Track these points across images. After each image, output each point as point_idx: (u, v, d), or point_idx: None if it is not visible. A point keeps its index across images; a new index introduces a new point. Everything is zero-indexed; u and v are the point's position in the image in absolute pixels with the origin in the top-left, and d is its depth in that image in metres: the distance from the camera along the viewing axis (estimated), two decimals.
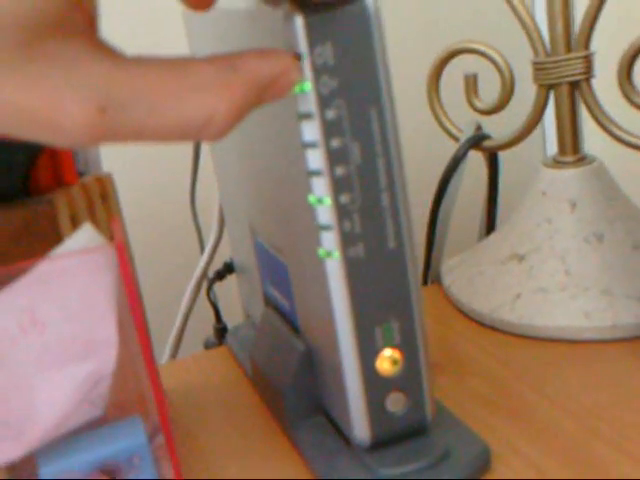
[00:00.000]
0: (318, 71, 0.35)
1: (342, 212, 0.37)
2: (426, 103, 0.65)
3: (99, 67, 0.25)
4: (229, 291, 0.83)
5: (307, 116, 0.36)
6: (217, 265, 0.74)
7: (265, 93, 0.29)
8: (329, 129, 0.36)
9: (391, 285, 0.39)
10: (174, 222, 0.89)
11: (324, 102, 0.36)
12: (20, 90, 0.24)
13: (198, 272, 0.71)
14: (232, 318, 0.78)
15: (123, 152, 0.85)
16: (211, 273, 0.72)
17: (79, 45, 0.25)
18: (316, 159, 0.36)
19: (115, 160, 0.83)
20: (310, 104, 0.36)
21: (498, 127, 0.69)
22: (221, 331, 0.73)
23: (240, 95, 0.28)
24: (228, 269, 0.69)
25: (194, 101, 0.27)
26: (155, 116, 0.26)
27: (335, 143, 0.36)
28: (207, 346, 0.74)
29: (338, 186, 0.37)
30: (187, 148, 0.83)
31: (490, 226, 0.69)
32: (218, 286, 0.75)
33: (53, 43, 0.24)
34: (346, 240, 0.37)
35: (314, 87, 0.35)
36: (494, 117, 0.64)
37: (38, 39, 0.23)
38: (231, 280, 0.73)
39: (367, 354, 0.40)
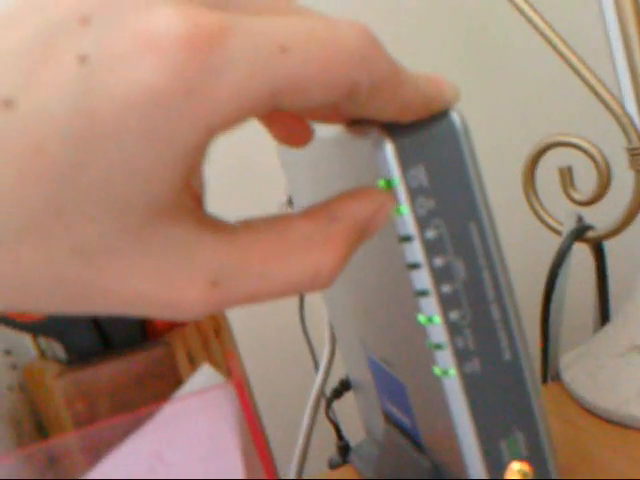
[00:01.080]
0: (414, 193, 0.36)
1: (453, 329, 0.37)
2: (522, 200, 0.65)
3: (208, 245, 0.26)
4: (348, 408, 0.83)
5: (407, 238, 0.36)
6: (333, 382, 0.74)
7: (365, 232, 0.30)
8: (431, 249, 0.36)
9: (511, 397, 0.38)
10: (286, 342, 0.90)
11: (423, 223, 0.36)
12: (137, 278, 0.25)
13: (315, 391, 0.71)
14: (354, 435, 0.78)
15: None
16: (328, 391, 0.72)
17: (188, 225, 0.26)
18: (421, 279, 0.37)
19: None
20: (409, 226, 0.36)
21: (597, 216, 0.68)
22: (344, 449, 0.72)
23: (342, 245, 0.29)
24: (345, 386, 0.69)
25: (299, 260, 0.28)
26: (264, 281, 0.27)
27: (438, 262, 0.36)
28: (331, 465, 0.73)
29: (446, 304, 0.37)
30: None
31: (604, 317, 0.67)
32: (337, 403, 0.75)
33: (163, 228, 0.25)
34: (461, 357, 0.37)
35: (411, 209, 0.36)
36: (591, 207, 0.63)
37: (150, 223, 0.24)
38: (349, 397, 0.72)
39: (494, 470, 0.39)
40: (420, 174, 0.36)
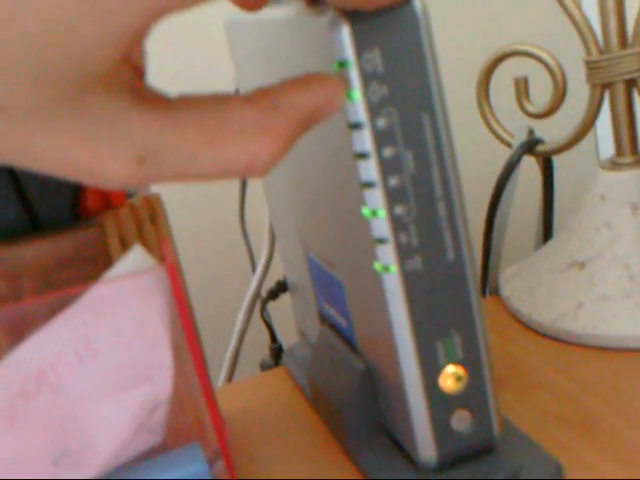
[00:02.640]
0: (367, 78, 0.34)
1: (398, 224, 0.36)
2: (475, 109, 0.64)
3: (140, 119, 0.25)
4: (283, 311, 0.82)
5: (357, 126, 0.35)
6: (270, 284, 0.73)
7: (310, 123, 0.28)
8: (381, 138, 0.35)
9: (451, 298, 0.37)
10: (224, 241, 0.88)
11: (374, 110, 0.34)
12: (62, 142, 0.24)
13: (251, 292, 0.70)
14: (287, 337, 0.77)
15: None
16: (264, 292, 0.71)
17: (124, 98, 0.25)
18: (368, 170, 0.35)
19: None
20: (360, 113, 0.34)
21: (548, 131, 0.67)
22: (277, 351, 0.72)
23: (284, 136, 0.27)
24: (281, 288, 0.68)
25: (235, 147, 0.26)
26: (195, 164, 0.26)
27: (387, 152, 0.35)
28: (263, 367, 0.73)
29: (392, 197, 0.35)
30: None
31: (547, 233, 0.67)
32: (272, 306, 0.74)
33: (97, 97, 0.24)
34: (403, 253, 0.36)
35: (363, 95, 0.34)
36: (542, 121, 0.62)
37: (83, 94, 0.24)
38: (284, 299, 0.72)
39: (429, 371, 0.38)
40: (375, 58, 0.34)
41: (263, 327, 0.73)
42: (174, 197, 0.85)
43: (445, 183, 0.36)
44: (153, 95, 0.26)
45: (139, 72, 0.27)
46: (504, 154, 0.62)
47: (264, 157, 0.27)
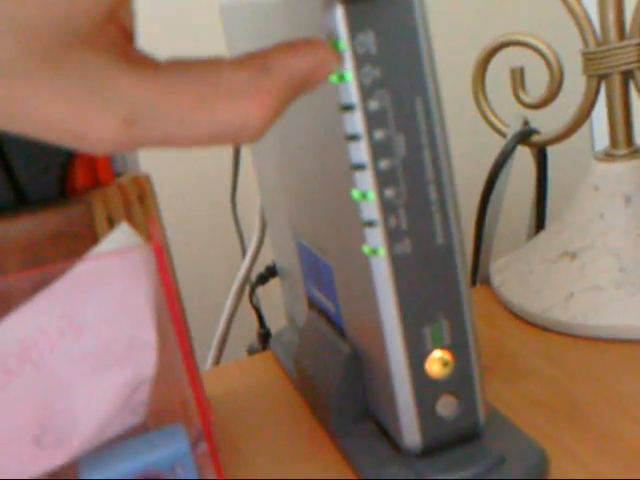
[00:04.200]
0: (360, 60, 0.34)
1: (387, 207, 0.35)
2: (471, 98, 0.63)
3: (127, 79, 0.24)
4: (272, 295, 0.82)
5: (349, 108, 0.34)
6: (260, 269, 0.73)
7: (301, 88, 0.28)
8: (372, 120, 0.34)
9: (440, 283, 0.37)
10: (215, 225, 0.88)
11: (366, 93, 0.34)
12: (46, 100, 0.23)
13: (240, 276, 0.70)
14: (275, 323, 0.77)
15: (162, 152, 0.84)
16: (254, 277, 0.71)
17: (110, 57, 0.24)
18: (359, 152, 0.35)
19: (153, 160, 0.82)
20: (352, 95, 0.34)
21: (543, 121, 0.67)
22: (264, 336, 0.71)
23: (275, 99, 0.27)
24: (271, 273, 0.67)
25: (225, 110, 0.26)
26: (184, 127, 0.26)
27: (379, 135, 0.35)
28: (250, 352, 0.72)
29: (383, 180, 0.35)
30: (227, 148, 0.82)
31: (539, 224, 0.66)
32: (261, 291, 0.73)
33: (82, 55, 0.23)
34: (392, 236, 0.36)
35: (356, 77, 0.34)
36: (538, 111, 0.62)
37: (68, 50, 0.23)
38: (274, 284, 0.71)
39: (416, 356, 0.38)
40: (369, 40, 0.34)
41: (251, 312, 0.73)
42: (165, 179, 0.84)
43: (436, 167, 0.36)
44: (142, 57, 0.26)
45: (127, 33, 0.27)
46: (499, 144, 0.62)
47: (255, 120, 0.27)
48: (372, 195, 0.35)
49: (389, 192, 0.35)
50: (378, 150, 0.35)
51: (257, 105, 0.27)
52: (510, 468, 0.39)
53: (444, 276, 0.37)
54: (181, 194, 0.86)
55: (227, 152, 0.83)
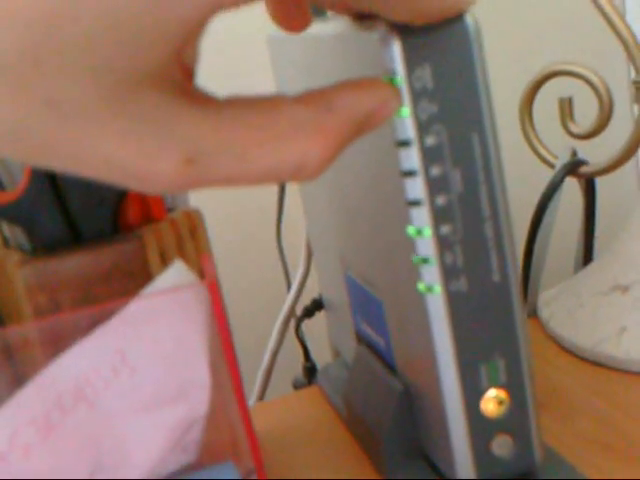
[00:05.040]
0: (417, 96, 0.33)
1: (443, 244, 0.35)
2: (517, 128, 0.63)
3: (190, 119, 0.24)
4: (316, 331, 0.82)
5: (405, 143, 0.34)
6: (305, 302, 0.72)
7: (363, 127, 0.28)
8: (429, 156, 0.34)
9: (496, 320, 0.37)
10: (261, 258, 0.88)
11: (423, 128, 0.34)
12: (111, 141, 0.23)
13: (285, 309, 0.70)
14: (320, 357, 0.76)
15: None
16: (299, 310, 0.71)
17: (174, 98, 0.24)
18: (415, 188, 0.34)
19: (200, 195, 0.82)
20: (408, 130, 0.34)
21: (588, 152, 0.66)
22: (310, 370, 0.71)
23: (335, 136, 0.27)
24: (317, 306, 0.67)
25: (285, 148, 0.26)
26: (244, 165, 0.25)
27: (435, 171, 0.34)
28: (296, 386, 0.72)
29: (439, 216, 0.35)
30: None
31: (587, 256, 0.66)
32: (305, 326, 0.73)
33: (149, 96, 0.23)
34: (448, 273, 0.35)
35: (412, 112, 0.34)
36: (583, 142, 0.61)
37: (136, 91, 0.23)
38: (318, 318, 0.71)
39: (471, 394, 0.37)
40: (426, 75, 0.33)
41: (295, 346, 0.72)
42: (210, 214, 0.84)
43: (493, 203, 0.35)
44: (203, 96, 0.26)
45: (189, 72, 0.27)
46: (545, 176, 0.61)
47: (315, 158, 0.26)
48: (428, 231, 0.35)
49: (445, 228, 0.35)
50: (434, 186, 0.34)
51: (319, 142, 0.26)
52: None
53: (500, 314, 0.36)
54: (225, 227, 0.86)
55: (273, 186, 0.83)
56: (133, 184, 0.25)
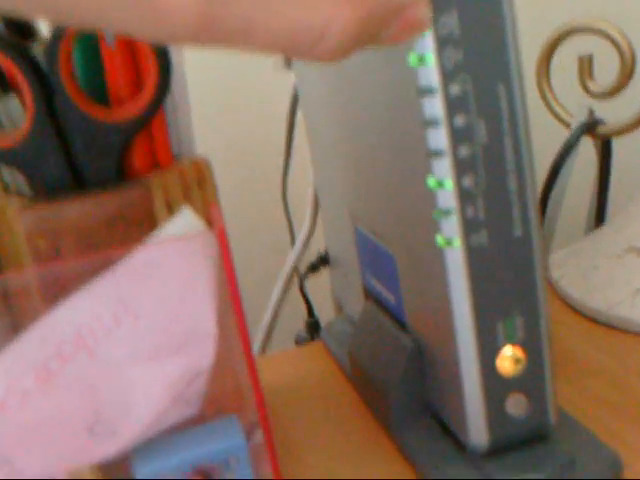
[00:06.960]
0: (442, 42, 0.32)
1: (465, 196, 0.34)
2: (533, 86, 0.61)
3: None
4: (319, 287, 0.80)
5: (429, 91, 0.33)
6: (310, 257, 0.71)
7: (389, 25, 0.26)
8: (453, 105, 0.33)
9: (516, 276, 0.35)
10: (265, 211, 0.86)
11: (448, 76, 0.32)
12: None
13: (290, 263, 0.68)
14: (322, 312, 0.75)
15: (213, 134, 0.82)
16: (303, 265, 0.69)
17: None
18: (438, 138, 0.33)
19: (205, 144, 0.80)
20: (433, 78, 0.32)
21: (607, 113, 0.65)
22: (313, 326, 0.70)
23: (365, 10, 0.25)
24: (322, 261, 0.66)
25: (312, 6, 0.24)
26: (266, 14, 0.24)
27: (459, 121, 0.33)
28: (298, 342, 0.71)
29: (461, 168, 0.33)
30: (280, 130, 0.80)
31: (600, 217, 0.64)
32: (308, 282, 0.72)
33: None
34: (469, 227, 0.34)
35: (437, 59, 0.32)
36: (601, 104, 0.59)
37: None
38: (321, 276, 0.69)
39: (487, 352, 0.36)
40: (452, 22, 0.32)
41: (297, 302, 0.71)
42: (214, 164, 0.83)
43: (517, 156, 0.34)
44: None
45: None
46: (560, 135, 0.60)
47: (338, 28, 0.25)
48: (449, 183, 0.33)
49: (467, 180, 0.34)
50: (458, 136, 0.33)
51: (346, 12, 0.25)
52: (581, 471, 0.38)
53: (520, 269, 0.35)
54: (231, 178, 0.85)
55: (280, 132, 0.81)
56: (147, 25, 0.23)
